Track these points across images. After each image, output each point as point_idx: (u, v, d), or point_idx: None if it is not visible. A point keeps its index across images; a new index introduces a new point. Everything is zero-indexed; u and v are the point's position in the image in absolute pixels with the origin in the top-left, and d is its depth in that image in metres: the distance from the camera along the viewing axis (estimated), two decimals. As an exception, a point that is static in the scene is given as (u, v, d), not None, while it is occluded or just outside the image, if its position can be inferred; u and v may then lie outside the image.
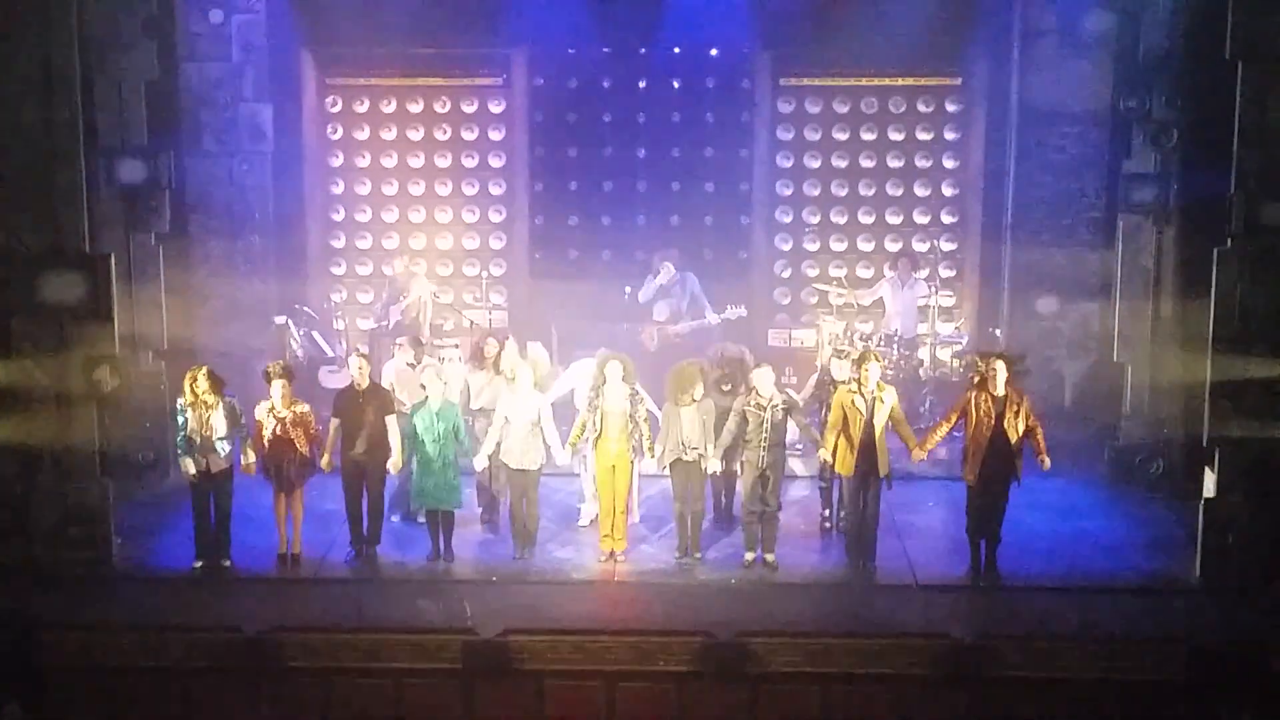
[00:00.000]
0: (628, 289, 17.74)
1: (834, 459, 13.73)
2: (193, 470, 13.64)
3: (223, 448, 13.67)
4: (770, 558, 13.91)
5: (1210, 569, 13.44)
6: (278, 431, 13.77)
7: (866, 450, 13.59)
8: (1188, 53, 15.40)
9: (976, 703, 12.08)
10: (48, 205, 13.31)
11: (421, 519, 14.43)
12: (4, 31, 13.01)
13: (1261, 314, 13.13)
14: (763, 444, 13.62)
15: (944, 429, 13.75)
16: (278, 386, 13.77)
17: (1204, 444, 13.63)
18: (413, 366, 14.88)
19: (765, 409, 13.63)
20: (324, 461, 13.99)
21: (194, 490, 13.77)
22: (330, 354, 18.02)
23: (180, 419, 13.60)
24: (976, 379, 13.49)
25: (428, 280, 18.15)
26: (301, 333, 17.90)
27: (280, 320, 17.09)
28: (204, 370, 13.67)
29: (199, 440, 13.57)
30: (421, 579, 13.76)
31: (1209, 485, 13.53)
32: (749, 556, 13.94)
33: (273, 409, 13.80)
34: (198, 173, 17.38)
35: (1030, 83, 17.63)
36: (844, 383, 13.92)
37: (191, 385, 13.56)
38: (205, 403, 13.58)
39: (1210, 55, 13.61)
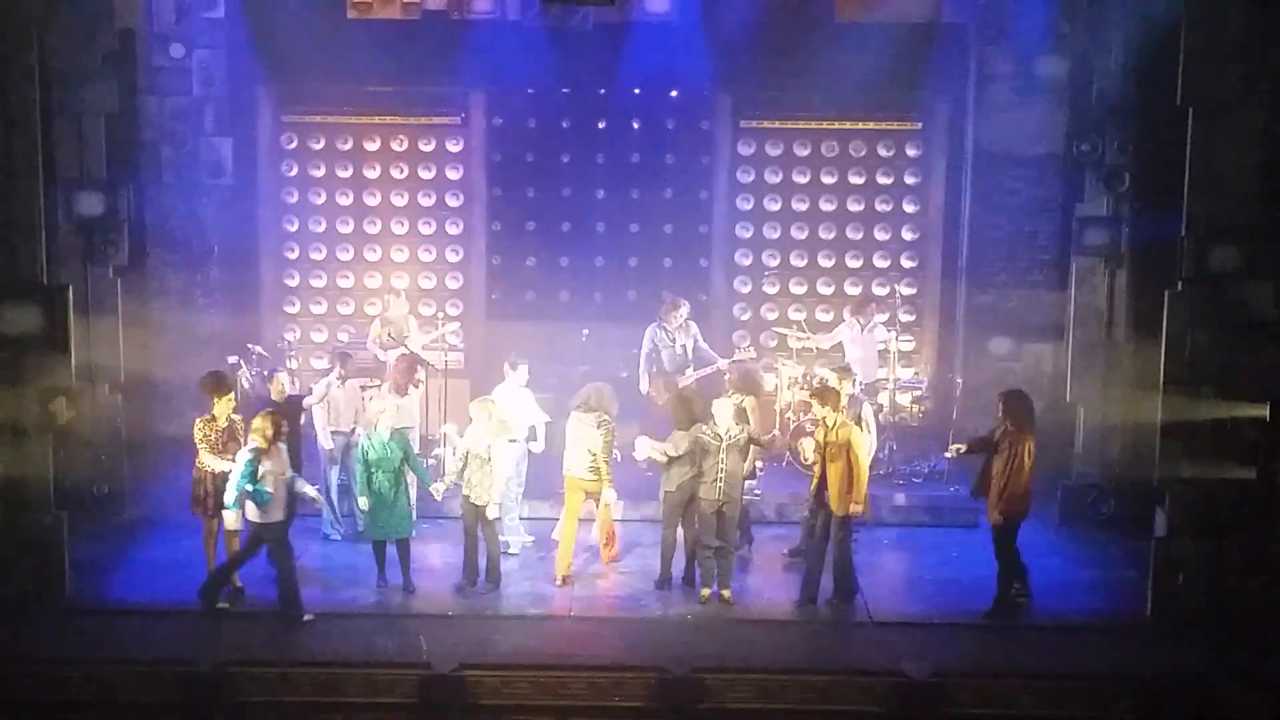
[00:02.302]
0: (585, 331, 17.78)
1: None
2: (242, 520, 13.40)
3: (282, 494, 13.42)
4: (726, 594, 13.93)
5: (1161, 608, 13.52)
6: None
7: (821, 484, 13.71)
8: (1140, 99, 15.67)
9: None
10: (6, 237, 13.29)
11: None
12: (-35, 65, 13.02)
13: (1210, 356, 13.26)
14: (719, 478, 13.68)
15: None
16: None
17: (1155, 484, 13.77)
18: (342, 381, 15.01)
19: (722, 440, 13.69)
20: None
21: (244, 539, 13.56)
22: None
23: (249, 468, 13.12)
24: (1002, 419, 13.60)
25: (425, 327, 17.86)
26: (254, 372, 17.80)
27: (232, 360, 17.01)
28: (275, 415, 13.44)
29: (273, 488, 13.21)
30: (376, 613, 13.71)
31: (1160, 525, 13.66)
32: (705, 592, 13.97)
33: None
34: (156, 206, 17.37)
35: (986, 127, 17.90)
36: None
37: (264, 432, 13.21)
38: (276, 449, 13.31)
39: (1161, 102, 13.81)
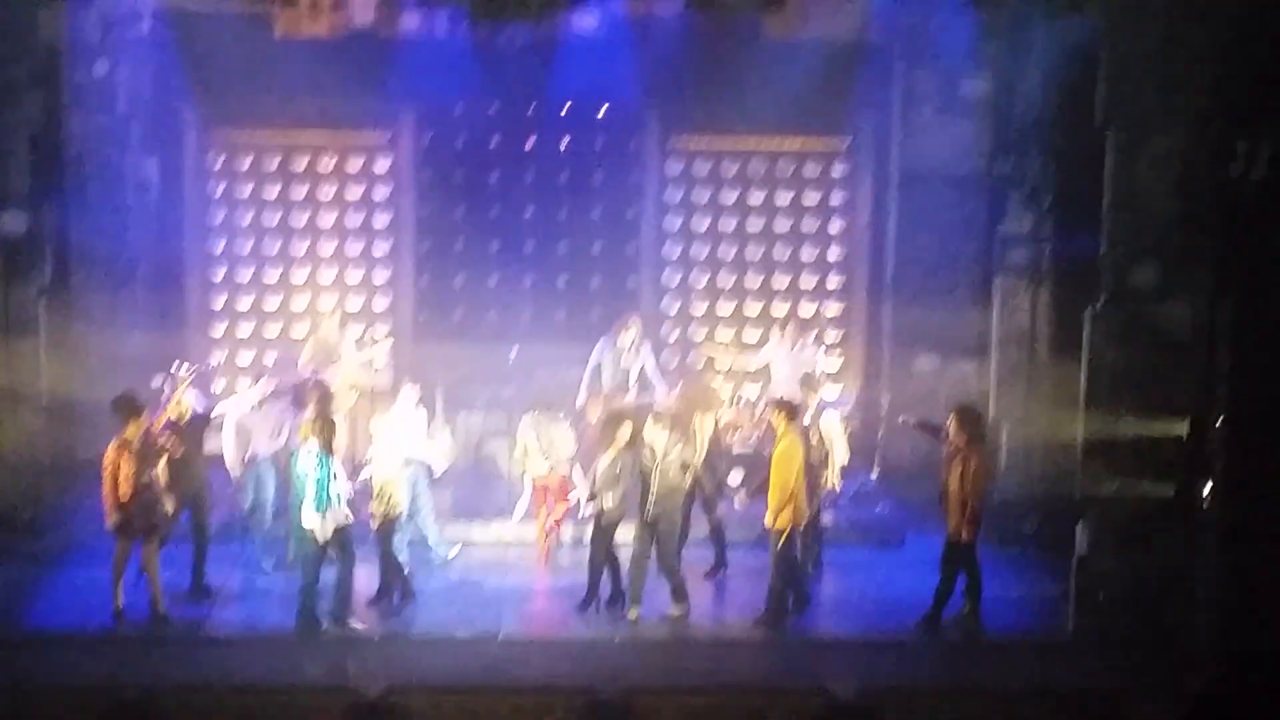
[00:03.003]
0: (514, 349, 17.74)
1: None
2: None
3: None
4: (675, 610, 13.99)
5: (1083, 624, 13.70)
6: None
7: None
8: (1060, 119, 15.86)
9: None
10: (-73, 256, 13.16)
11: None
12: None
13: (1131, 374, 13.44)
14: (650, 501, 13.71)
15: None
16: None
17: (1076, 502, 13.94)
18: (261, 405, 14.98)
19: (655, 464, 13.73)
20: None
21: (315, 552, 13.48)
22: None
23: (322, 471, 13.18)
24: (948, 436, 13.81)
25: (355, 346, 17.81)
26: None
27: (157, 383, 16.80)
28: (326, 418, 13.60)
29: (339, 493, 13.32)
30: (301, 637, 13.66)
31: (1081, 543, 13.82)
32: (633, 613, 13.99)
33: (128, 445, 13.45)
34: (80, 225, 17.08)
35: (911, 146, 18.02)
36: None
37: (326, 435, 13.33)
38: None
39: (1081, 122, 14.02)
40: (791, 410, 14.04)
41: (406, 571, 14.26)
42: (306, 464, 13.46)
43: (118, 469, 13.38)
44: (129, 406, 13.63)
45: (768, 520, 13.75)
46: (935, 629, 13.88)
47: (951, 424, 13.82)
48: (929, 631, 13.84)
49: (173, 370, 14.98)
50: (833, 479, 14.94)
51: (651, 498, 13.74)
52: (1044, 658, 13.44)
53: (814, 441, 14.54)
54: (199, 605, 14.18)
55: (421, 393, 15.42)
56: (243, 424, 14.92)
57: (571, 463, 15.30)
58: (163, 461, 13.76)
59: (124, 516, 13.48)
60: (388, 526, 14.03)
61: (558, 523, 15.55)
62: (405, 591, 14.25)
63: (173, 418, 14.14)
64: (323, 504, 13.27)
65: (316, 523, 13.34)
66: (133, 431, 13.50)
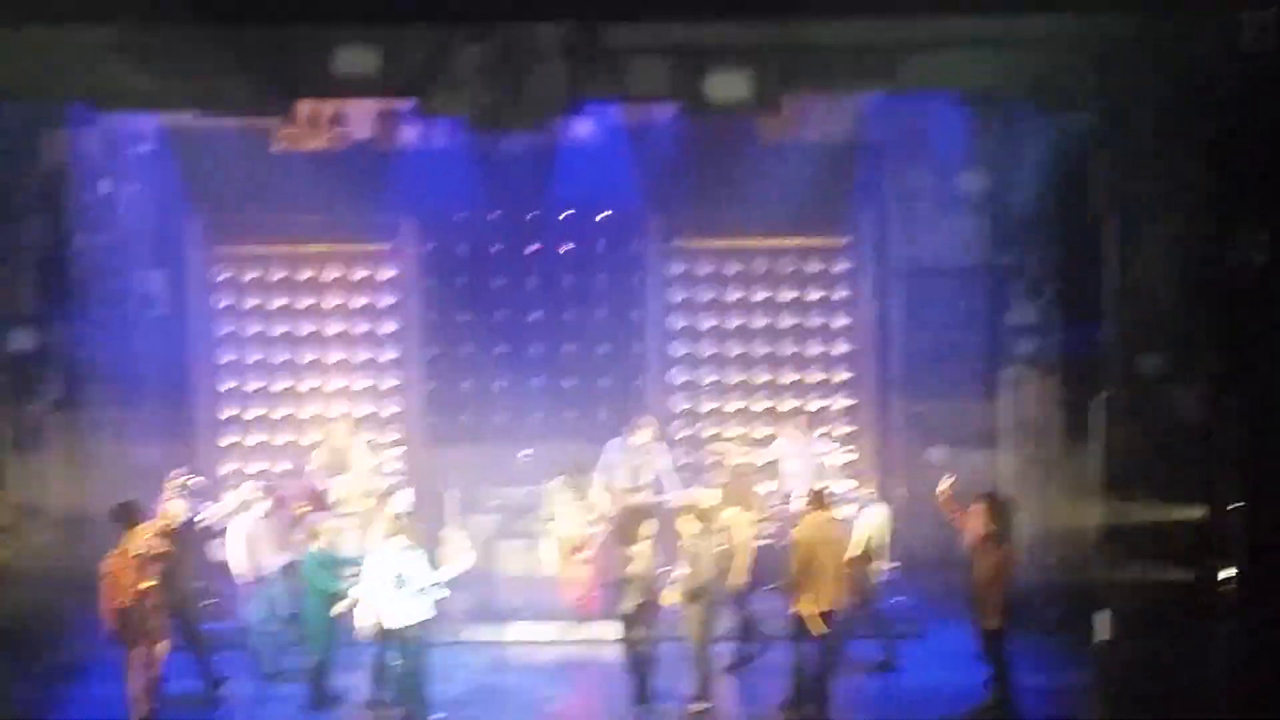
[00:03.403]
0: (526, 452, 17.75)
1: None
2: None
3: None
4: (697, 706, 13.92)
5: (1107, 713, 13.61)
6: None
7: None
8: (1058, 209, 15.97)
9: None
10: (-62, 376, 13.21)
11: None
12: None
13: (1143, 460, 13.48)
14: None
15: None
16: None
17: (1095, 588, 13.90)
18: (267, 517, 15.00)
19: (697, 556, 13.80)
20: None
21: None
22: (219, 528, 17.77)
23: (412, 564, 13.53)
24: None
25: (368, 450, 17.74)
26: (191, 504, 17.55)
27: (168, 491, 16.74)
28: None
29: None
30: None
31: (1101, 629, 13.76)
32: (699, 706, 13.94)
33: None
34: (88, 341, 17.20)
35: (911, 241, 18.25)
36: None
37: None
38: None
39: (1079, 212, 14.16)
40: (821, 500, 14.08)
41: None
42: (392, 560, 13.52)
43: (117, 577, 13.41)
44: (127, 515, 13.68)
45: (797, 607, 13.73)
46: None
47: (981, 513, 13.78)
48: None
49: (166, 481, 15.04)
50: (875, 574, 14.91)
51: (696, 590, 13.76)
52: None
53: (858, 536, 14.63)
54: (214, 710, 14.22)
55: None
56: (251, 534, 14.90)
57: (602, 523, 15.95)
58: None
59: (123, 624, 13.47)
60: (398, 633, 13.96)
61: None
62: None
63: (161, 526, 14.11)
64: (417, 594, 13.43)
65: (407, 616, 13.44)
66: (131, 540, 13.52)
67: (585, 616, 16.16)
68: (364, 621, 13.73)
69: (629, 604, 14.08)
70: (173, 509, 14.46)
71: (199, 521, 14.98)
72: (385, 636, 13.70)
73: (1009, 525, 13.82)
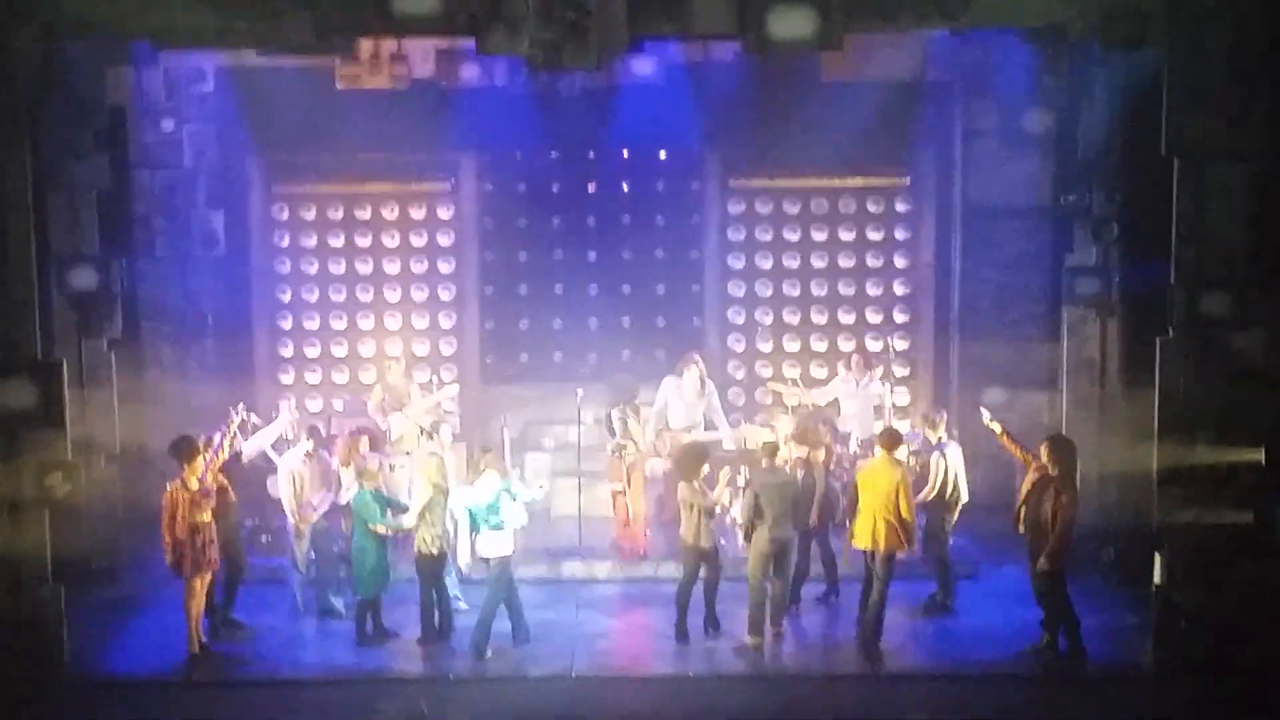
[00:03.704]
0: (580, 391, 17.73)
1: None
2: None
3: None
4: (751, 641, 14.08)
5: (1164, 655, 13.53)
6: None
7: None
8: (1125, 149, 15.85)
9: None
10: (1, 313, 13.31)
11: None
12: (-43, 144, 13.10)
13: (1205, 403, 13.32)
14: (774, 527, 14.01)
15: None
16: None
17: (1153, 531, 13.79)
18: (310, 457, 15.06)
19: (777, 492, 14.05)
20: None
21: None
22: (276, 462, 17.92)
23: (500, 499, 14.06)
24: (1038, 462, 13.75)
25: (423, 391, 17.63)
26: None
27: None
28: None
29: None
30: (375, 679, 13.69)
31: (1158, 572, 13.66)
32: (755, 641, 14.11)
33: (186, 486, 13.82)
34: (149, 278, 17.44)
35: (974, 181, 18.02)
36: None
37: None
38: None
39: (1146, 151, 13.91)
40: (894, 439, 14.12)
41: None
42: (484, 495, 14.05)
43: (174, 510, 13.75)
44: (184, 450, 13.93)
45: (870, 545, 13.90)
46: (1053, 659, 13.82)
47: (1043, 454, 13.68)
48: (1037, 663, 13.79)
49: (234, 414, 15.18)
50: (954, 513, 14.94)
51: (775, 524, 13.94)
52: (1125, 690, 13.25)
53: (937, 474, 14.74)
54: (231, 641, 14.46)
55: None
56: (299, 471, 15.02)
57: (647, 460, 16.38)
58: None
59: (180, 555, 13.80)
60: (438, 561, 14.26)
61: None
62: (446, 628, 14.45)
63: (217, 461, 14.31)
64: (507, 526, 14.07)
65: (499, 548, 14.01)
66: (189, 474, 13.81)
67: (634, 555, 16.27)
68: (463, 556, 14.37)
69: (688, 542, 14.22)
70: (228, 445, 14.54)
71: (241, 454, 15.03)
72: (476, 569, 14.30)
73: (1073, 468, 13.67)
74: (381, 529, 14.12)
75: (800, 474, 14.88)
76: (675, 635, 14.35)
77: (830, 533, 15.23)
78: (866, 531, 13.94)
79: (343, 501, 14.82)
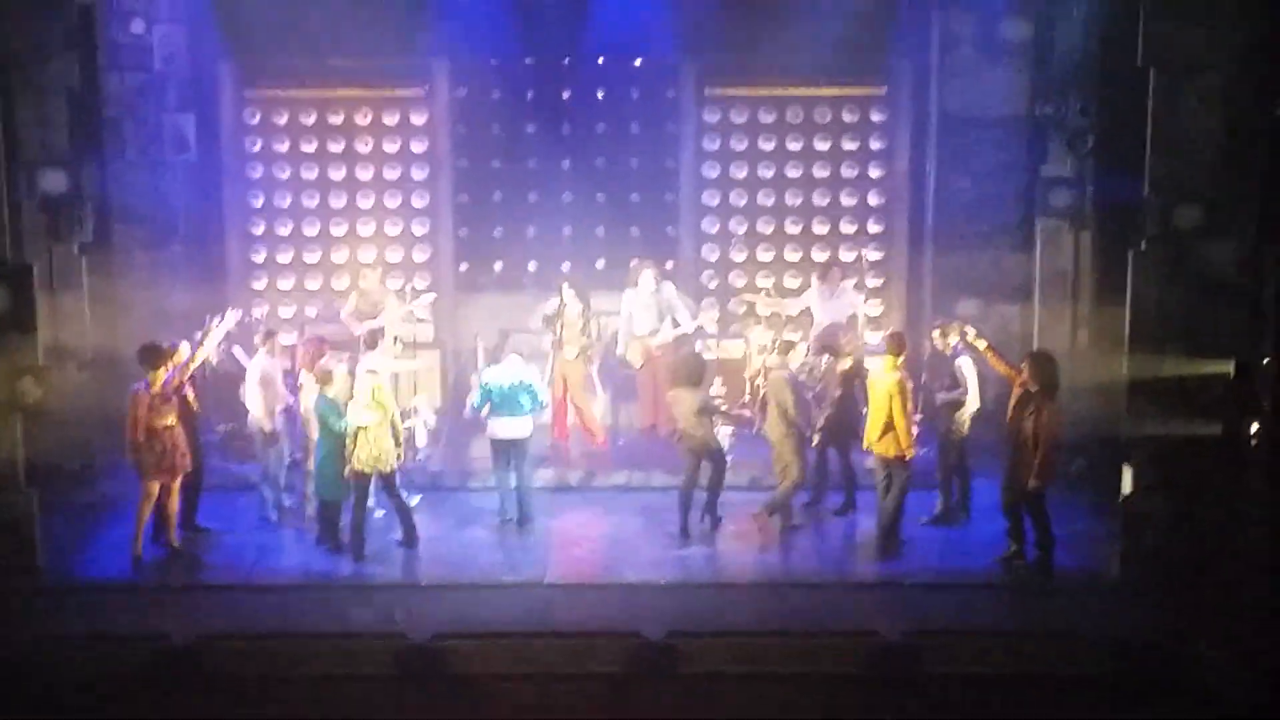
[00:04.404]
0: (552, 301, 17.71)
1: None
2: None
3: None
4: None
5: (1130, 566, 13.67)
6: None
7: None
8: (1101, 60, 15.79)
9: (906, 701, 12.18)
10: (-31, 217, 13.24)
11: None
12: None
13: (1176, 315, 13.37)
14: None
15: None
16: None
17: (1122, 442, 13.89)
18: (272, 356, 15.25)
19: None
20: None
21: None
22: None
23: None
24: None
25: (399, 298, 17.65)
26: (220, 347, 17.47)
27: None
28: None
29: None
30: (348, 584, 13.79)
31: (1127, 483, 13.76)
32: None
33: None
34: (120, 182, 17.21)
35: (950, 90, 17.87)
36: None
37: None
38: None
39: (1123, 63, 13.91)
40: (900, 344, 14.36)
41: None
42: (506, 377, 15.06)
43: (139, 413, 13.86)
44: (151, 356, 14.02)
45: (883, 450, 14.22)
46: (1021, 567, 13.98)
47: (1025, 370, 13.72)
48: (1008, 573, 13.97)
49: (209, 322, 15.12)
50: (965, 421, 14.94)
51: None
52: (1091, 599, 13.41)
53: (954, 383, 14.81)
54: (196, 545, 14.62)
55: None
56: (264, 377, 15.03)
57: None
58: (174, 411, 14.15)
59: (142, 457, 13.91)
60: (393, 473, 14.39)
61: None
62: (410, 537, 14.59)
63: (181, 366, 14.34)
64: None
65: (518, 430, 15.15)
66: (154, 379, 13.88)
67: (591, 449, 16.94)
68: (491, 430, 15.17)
69: (697, 442, 14.74)
70: (180, 351, 14.50)
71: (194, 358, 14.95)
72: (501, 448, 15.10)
73: (1055, 384, 13.71)
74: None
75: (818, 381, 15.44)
76: (679, 533, 14.73)
77: (853, 448, 15.32)
78: (874, 435, 14.25)
79: (301, 407, 14.85)
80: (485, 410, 15.10)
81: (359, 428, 14.04)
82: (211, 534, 14.90)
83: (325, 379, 14.33)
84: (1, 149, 13.44)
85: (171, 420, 14.00)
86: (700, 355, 15.81)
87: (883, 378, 14.25)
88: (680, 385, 14.94)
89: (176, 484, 14.26)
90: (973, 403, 14.80)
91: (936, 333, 15.13)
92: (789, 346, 14.99)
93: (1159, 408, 13.44)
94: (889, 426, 14.13)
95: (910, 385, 14.28)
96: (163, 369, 13.96)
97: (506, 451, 15.14)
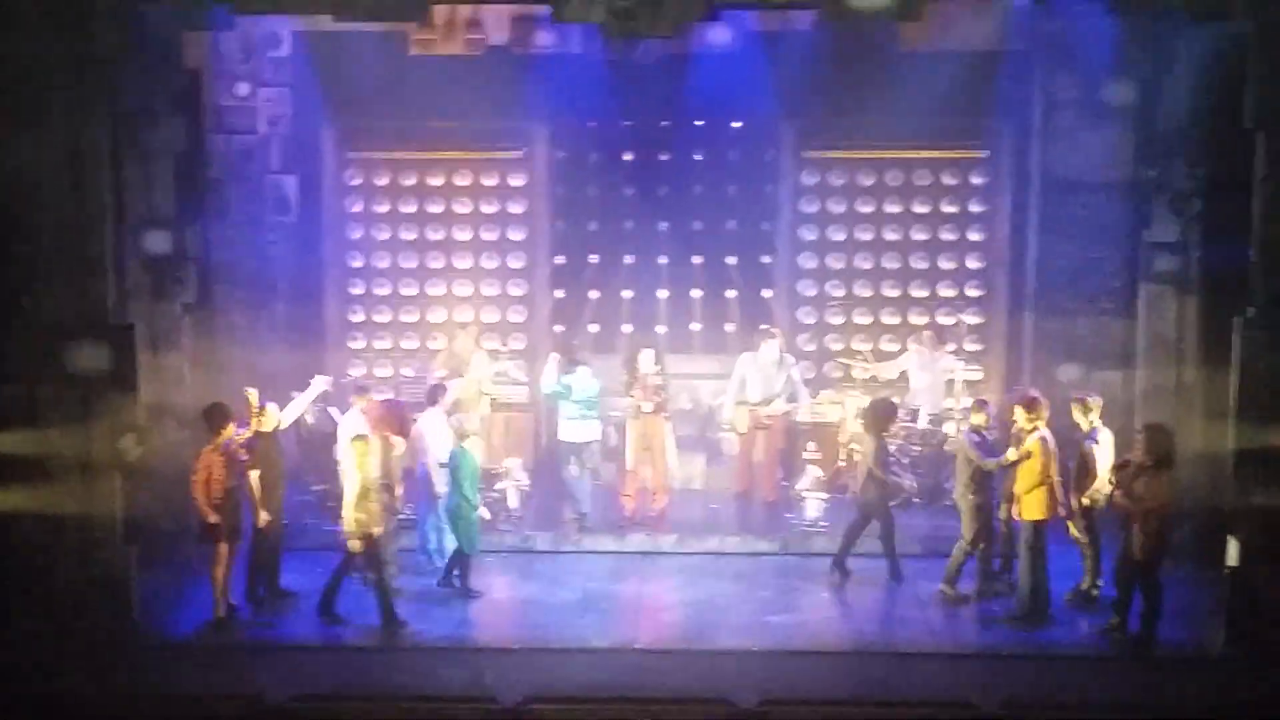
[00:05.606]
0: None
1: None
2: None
3: None
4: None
5: (1235, 639, 13.32)
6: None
7: None
8: (1207, 122, 15.53)
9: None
10: (76, 276, 13.43)
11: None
12: (38, 106, 13.17)
13: (1281, 383, 13.11)
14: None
15: None
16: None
17: (1227, 513, 13.56)
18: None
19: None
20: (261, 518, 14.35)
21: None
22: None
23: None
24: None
25: (488, 357, 17.86)
26: (316, 406, 17.56)
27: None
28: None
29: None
30: (439, 645, 13.78)
31: (1232, 554, 13.44)
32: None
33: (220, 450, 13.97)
34: (223, 243, 17.44)
35: (1052, 153, 17.69)
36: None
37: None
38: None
39: (1229, 125, 13.68)
40: (1038, 406, 14.16)
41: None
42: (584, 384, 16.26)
43: (210, 473, 13.91)
44: (219, 415, 14.07)
45: (1018, 513, 14.10)
46: (1121, 640, 13.75)
47: (1140, 442, 13.54)
48: (1112, 643, 13.74)
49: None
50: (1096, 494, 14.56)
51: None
52: (1196, 673, 13.08)
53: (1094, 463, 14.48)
54: (280, 610, 14.63)
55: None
56: (432, 435, 15.22)
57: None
58: (255, 473, 14.24)
59: (207, 520, 13.97)
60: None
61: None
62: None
63: (261, 429, 14.44)
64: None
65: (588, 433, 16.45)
66: (223, 438, 13.98)
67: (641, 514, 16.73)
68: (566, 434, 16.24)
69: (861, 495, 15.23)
70: (268, 412, 14.60)
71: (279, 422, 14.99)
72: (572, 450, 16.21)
73: (1171, 457, 13.45)
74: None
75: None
76: (832, 569, 15.23)
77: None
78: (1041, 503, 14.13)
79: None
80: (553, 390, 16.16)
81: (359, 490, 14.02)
82: (297, 597, 14.86)
83: (461, 432, 14.48)
84: (109, 210, 13.61)
85: (234, 481, 14.03)
86: (888, 402, 15.69)
87: (1041, 446, 14.01)
88: (868, 429, 15.11)
89: (235, 548, 14.24)
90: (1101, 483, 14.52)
91: (1077, 409, 14.78)
92: (981, 406, 14.81)
93: (1265, 478, 13.12)
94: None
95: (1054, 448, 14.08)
96: (228, 428, 14.02)
97: (578, 454, 16.18)
